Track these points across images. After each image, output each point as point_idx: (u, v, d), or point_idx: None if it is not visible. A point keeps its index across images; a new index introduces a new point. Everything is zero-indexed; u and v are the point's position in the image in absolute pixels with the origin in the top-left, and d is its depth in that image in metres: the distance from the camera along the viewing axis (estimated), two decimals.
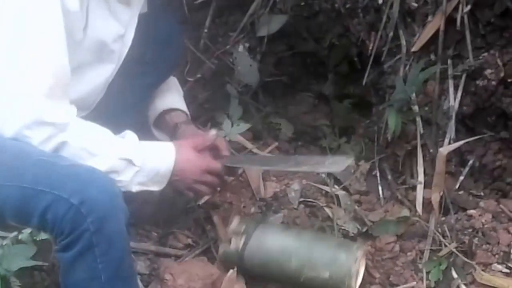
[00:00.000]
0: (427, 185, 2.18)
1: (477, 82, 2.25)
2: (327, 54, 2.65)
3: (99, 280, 1.53)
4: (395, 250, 2.05)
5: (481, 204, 2.17)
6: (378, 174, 2.32)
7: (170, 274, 1.84)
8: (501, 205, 2.16)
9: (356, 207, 2.18)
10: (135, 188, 1.70)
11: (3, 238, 1.55)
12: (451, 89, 2.26)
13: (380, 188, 2.29)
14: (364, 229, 2.11)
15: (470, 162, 2.28)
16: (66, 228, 1.47)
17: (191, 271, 1.86)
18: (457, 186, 2.26)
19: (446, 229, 2.07)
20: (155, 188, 1.76)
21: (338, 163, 1.87)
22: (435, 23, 2.27)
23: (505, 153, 2.31)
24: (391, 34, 2.32)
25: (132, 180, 1.69)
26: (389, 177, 2.30)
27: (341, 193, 2.21)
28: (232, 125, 2.31)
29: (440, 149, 2.05)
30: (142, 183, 1.71)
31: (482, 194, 2.27)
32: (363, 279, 1.90)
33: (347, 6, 2.43)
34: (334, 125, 2.66)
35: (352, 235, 2.08)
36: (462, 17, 2.21)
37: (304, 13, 2.60)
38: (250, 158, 2.29)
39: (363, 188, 2.28)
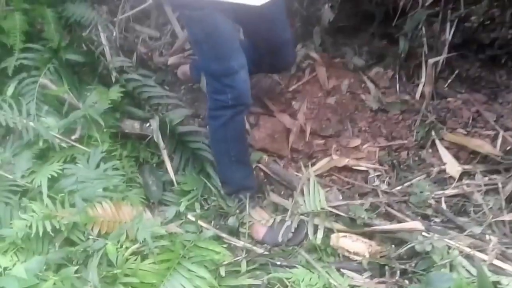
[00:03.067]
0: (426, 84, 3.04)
1: (465, 24, 3.19)
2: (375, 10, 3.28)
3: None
4: (399, 118, 2.95)
5: (458, 96, 3.00)
6: (397, 77, 3.15)
7: None
8: (471, 97, 2.99)
9: (380, 94, 3.09)
10: None
11: None
12: (447, 27, 3.18)
13: (397, 85, 3.12)
14: (382, 106, 3.03)
15: (457, 71, 3.13)
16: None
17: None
18: (445, 86, 3.12)
19: (431, 108, 2.93)
20: None
21: None
22: None
23: (483, 68, 3.20)
24: None
25: None
26: (404, 78, 3.16)
27: (371, 85, 3.12)
28: None
29: (429, 60, 2.99)
30: None
31: (463, 91, 3.06)
32: (373, 132, 2.93)
33: None
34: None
35: (375, 108, 3.03)
36: None
37: None
38: None
39: (387, 84, 3.15)
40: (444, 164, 2.69)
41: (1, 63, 2.54)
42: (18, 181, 2.13)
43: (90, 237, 1.99)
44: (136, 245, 2.06)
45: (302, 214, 2.45)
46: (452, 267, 2.11)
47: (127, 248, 2.03)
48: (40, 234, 1.96)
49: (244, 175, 2.50)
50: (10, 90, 2.33)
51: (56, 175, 2.14)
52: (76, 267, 1.85)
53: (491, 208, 2.37)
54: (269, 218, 2.54)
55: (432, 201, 2.44)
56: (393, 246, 2.27)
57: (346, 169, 2.73)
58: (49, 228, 1.96)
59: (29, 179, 2.15)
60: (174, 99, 2.73)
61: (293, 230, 2.46)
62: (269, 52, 2.51)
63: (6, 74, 2.49)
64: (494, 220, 2.27)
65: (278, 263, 2.33)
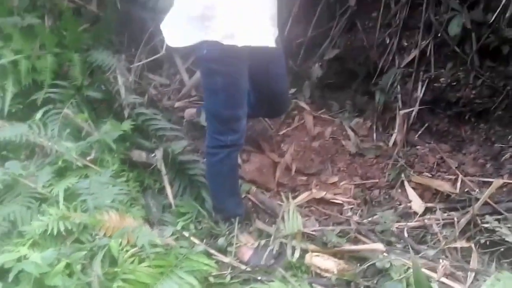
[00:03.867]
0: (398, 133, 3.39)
1: (435, 84, 3.52)
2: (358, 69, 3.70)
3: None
4: (373, 162, 3.24)
5: (426, 145, 3.29)
6: (374, 127, 3.47)
7: None
8: (437, 146, 3.29)
9: (359, 141, 3.41)
10: None
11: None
12: (419, 86, 3.50)
13: (374, 133, 3.45)
14: (360, 151, 3.34)
15: (426, 124, 3.45)
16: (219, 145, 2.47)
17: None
18: (416, 136, 3.43)
19: (402, 154, 3.23)
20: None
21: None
22: (414, 53, 3.56)
23: (450, 123, 3.48)
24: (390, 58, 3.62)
25: None
26: (380, 128, 3.47)
27: (351, 133, 3.46)
28: None
29: (400, 112, 3.32)
30: None
31: (431, 141, 3.35)
32: (350, 172, 3.22)
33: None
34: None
35: (353, 152, 3.34)
36: (430, 50, 3.49)
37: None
38: None
39: (365, 133, 3.46)
40: (410, 201, 2.94)
41: (32, 95, 2.85)
42: (39, 190, 2.39)
43: (97, 237, 2.25)
44: (135, 249, 2.30)
45: (282, 237, 2.69)
46: (408, 284, 2.34)
47: (127, 251, 2.28)
48: (55, 233, 2.21)
49: (235, 204, 2.74)
50: (38, 116, 2.63)
51: (71, 187, 2.41)
52: (84, 253, 2.10)
53: (446, 237, 2.61)
54: (255, 242, 2.77)
55: (395, 231, 2.68)
56: (358, 265, 2.50)
57: (324, 201, 2.99)
58: (62, 228, 2.22)
59: (48, 189, 2.41)
60: (176, 132, 3.00)
61: (275, 254, 2.69)
62: (269, 100, 2.80)
63: (36, 105, 2.79)
64: (447, 246, 2.51)
65: (259, 277, 2.56)
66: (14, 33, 2.72)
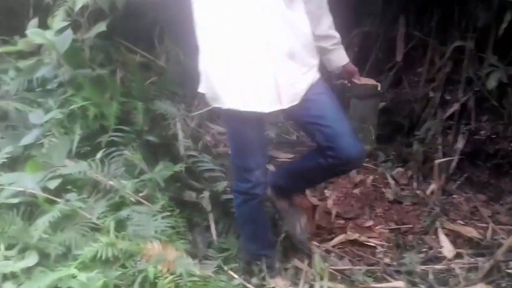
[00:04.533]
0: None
1: (475, 136, 3.56)
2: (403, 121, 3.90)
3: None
4: (410, 208, 3.30)
5: (463, 194, 3.35)
6: (415, 176, 3.53)
7: None
8: (473, 196, 3.33)
9: (399, 189, 3.49)
10: None
11: None
12: (460, 138, 3.56)
13: (414, 183, 3.51)
14: (398, 198, 3.42)
15: (466, 175, 3.50)
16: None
17: None
18: (454, 186, 3.48)
19: (438, 202, 3.25)
20: None
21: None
22: (455, 107, 3.64)
23: (490, 175, 3.53)
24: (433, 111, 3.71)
25: None
26: (420, 178, 3.52)
27: (392, 182, 3.55)
28: None
29: (436, 162, 3.37)
30: None
31: (469, 192, 3.39)
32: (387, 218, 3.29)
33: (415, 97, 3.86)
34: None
35: (392, 199, 3.42)
36: (471, 103, 3.55)
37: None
38: None
39: (406, 182, 3.53)
40: (441, 247, 2.98)
41: (98, 138, 3.15)
42: (94, 220, 2.64)
43: (138, 263, 2.46)
44: (174, 276, 2.48)
45: (312, 276, 2.79)
46: None
47: (166, 277, 2.47)
48: (103, 258, 2.44)
49: (259, 247, 2.72)
50: (98, 155, 2.91)
51: (122, 218, 2.65)
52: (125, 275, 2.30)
53: (469, 280, 2.63)
54: (288, 285, 2.87)
55: (421, 272, 2.72)
56: None
57: (358, 243, 3.06)
58: (110, 254, 2.44)
59: (102, 220, 2.66)
60: (223, 174, 3.20)
61: None
62: (325, 146, 2.37)
63: (100, 146, 3.08)
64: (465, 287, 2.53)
65: None
66: (85, 82, 3.03)
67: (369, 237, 3.08)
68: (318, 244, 3.06)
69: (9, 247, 2.45)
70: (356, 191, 3.44)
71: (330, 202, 3.32)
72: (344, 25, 3.98)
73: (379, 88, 2.81)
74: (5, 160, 2.87)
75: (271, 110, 2.22)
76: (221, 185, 3.03)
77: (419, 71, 3.86)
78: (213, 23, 2.20)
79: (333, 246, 3.01)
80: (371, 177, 3.53)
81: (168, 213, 2.75)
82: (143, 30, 3.77)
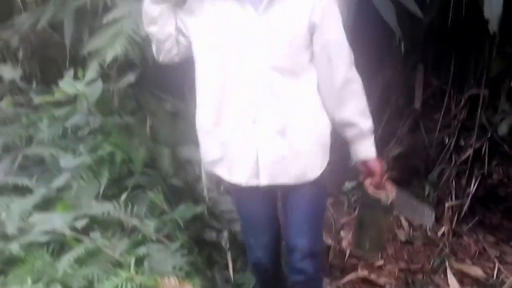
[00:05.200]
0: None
1: (488, 180, 3.63)
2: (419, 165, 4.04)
3: None
4: (421, 249, 3.41)
5: (473, 236, 3.45)
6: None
7: None
8: (482, 237, 3.42)
9: (411, 231, 3.58)
10: None
11: None
12: (473, 182, 3.64)
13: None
14: (410, 239, 3.51)
15: (477, 218, 3.57)
16: None
17: None
18: (466, 228, 3.54)
19: (448, 243, 3.37)
20: None
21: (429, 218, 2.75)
22: (469, 152, 3.72)
23: (503, 218, 3.60)
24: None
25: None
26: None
27: (405, 224, 3.63)
28: None
29: (446, 205, 3.45)
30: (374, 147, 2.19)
31: (479, 233, 3.49)
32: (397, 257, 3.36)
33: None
34: None
35: (403, 240, 3.49)
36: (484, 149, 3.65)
37: None
38: None
39: (419, 224, 3.66)
40: (449, 286, 3.04)
41: (125, 181, 3.34)
42: (116, 257, 2.81)
43: None
44: None
45: None
46: None
47: None
48: None
49: None
50: (123, 197, 3.10)
51: (142, 256, 2.81)
52: None
53: None
54: None
55: None
56: None
57: (368, 282, 3.15)
58: None
59: (124, 257, 2.82)
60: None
61: None
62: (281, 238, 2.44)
63: (126, 188, 3.27)
64: None
65: None
66: (114, 129, 3.26)
67: (379, 276, 3.15)
68: (330, 279, 3.14)
69: (35, 281, 2.62)
70: None
71: (344, 243, 3.41)
72: (366, 74, 4.20)
73: (389, 201, 2.31)
74: (38, 201, 3.07)
75: (249, 184, 2.11)
76: (239, 225, 3.16)
77: (436, 117, 3.96)
78: (204, 91, 2.14)
79: (344, 284, 3.09)
80: None
81: (187, 251, 2.89)
82: (173, 80, 3.97)
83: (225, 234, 3.24)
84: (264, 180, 2.08)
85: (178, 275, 2.75)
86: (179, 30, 2.06)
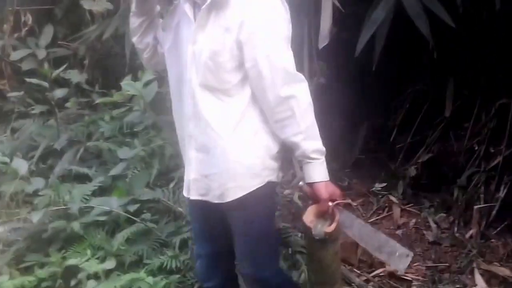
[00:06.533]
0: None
1: None
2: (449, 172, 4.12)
3: None
4: (449, 250, 3.44)
5: (501, 239, 3.46)
6: (456, 222, 3.74)
7: None
8: (510, 240, 3.47)
9: (439, 232, 3.70)
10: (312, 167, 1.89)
11: None
12: (502, 187, 3.70)
13: (455, 227, 3.69)
14: (438, 240, 3.63)
15: (506, 222, 3.63)
16: None
17: None
18: (494, 232, 3.59)
19: (476, 245, 3.40)
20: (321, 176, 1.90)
21: (403, 262, 2.08)
22: (498, 159, 3.81)
23: None
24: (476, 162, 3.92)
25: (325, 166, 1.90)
26: (462, 223, 3.70)
27: (433, 225, 3.75)
28: None
29: (475, 208, 3.55)
30: (325, 168, 1.91)
31: (507, 237, 3.54)
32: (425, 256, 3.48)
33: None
34: None
35: (431, 241, 3.61)
36: None
37: None
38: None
39: (447, 226, 3.75)
40: (476, 285, 3.14)
41: (172, 173, 3.59)
42: (163, 238, 3.05)
43: None
44: None
45: None
46: None
47: None
48: (168, 268, 2.85)
49: None
50: (171, 185, 3.37)
51: (186, 238, 3.06)
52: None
53: None
54: None
55: None
56: None
57: (395, 277, 3.28)
58: (174, 266, 2.85)
59: (170, 238, 3.06)
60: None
61: None
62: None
63: (173, 179, 3.51)
64: None
65: None
66: (165, 126, 3.54)
67: (406, 272, 3.28)
68: (358, 273, 3.29)
69: (93, 255, 2.90)
70: (399, 232, 3.66)
71: None
72: (396, 84, 4.36)
73: (322, 233, 1.96)
74: (96, 188, 3.38)
75: (186, 196, 2.08)
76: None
77: (466, 126, 4.07)
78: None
79: (373, 277, 3.24)
80: (413, 220, 3.75)
81: None
82: None
83: None
84: (193, 195, 2.01)
85: None
86: (157, 41, 2.10)
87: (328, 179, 1.96)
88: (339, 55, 4.01)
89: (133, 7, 2.05)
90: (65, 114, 4.25)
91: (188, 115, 1.96)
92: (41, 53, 4.57)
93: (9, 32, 4.68)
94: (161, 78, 3.60)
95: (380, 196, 3.94)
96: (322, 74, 3.99)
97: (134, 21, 2.07)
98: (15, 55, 4.60)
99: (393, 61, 3.90)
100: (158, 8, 2.09)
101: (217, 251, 2.18)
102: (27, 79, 3.99)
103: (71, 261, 2.76)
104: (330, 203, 1.95)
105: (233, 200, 1.95)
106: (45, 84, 3.79)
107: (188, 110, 1.95)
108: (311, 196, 1.98)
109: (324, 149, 1.94)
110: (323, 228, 1.95)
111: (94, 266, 2.71)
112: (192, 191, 2.02)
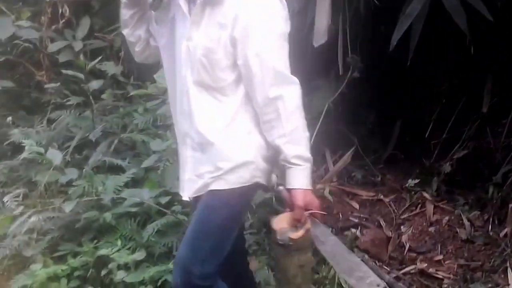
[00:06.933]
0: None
1: None
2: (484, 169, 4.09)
3: None
4: (482, 248, 3.38)
5: None
6: (491, 220, 3.66)
7: None
8: None
9: (473, 231, 3.62)
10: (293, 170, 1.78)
11: None
12: None
13: (489, 226, 3.61)
14: (471, 238, 3.56)
15: None
16: None
17: None
18: None
19: (510, 244, 3.34)
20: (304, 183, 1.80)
21: None
22: None
23: None
24: None
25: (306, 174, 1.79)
26: (496, 221, 3.63)
27: (467, 223, 3.69)
28: None
29: (510, 205, 3.45)
30: (306, 175, 1.80)
31: None
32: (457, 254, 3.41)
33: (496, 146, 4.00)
34: None
35: (464, 239, 3.55)
36: None
37: None
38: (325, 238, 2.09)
39: (481, 224, 3.68)
40: (508, 285, 3.08)
41: None
42: None
43: None
44: None
45: None
46: None
47: None
48: None
49: None
50: None
51: None
52: None
53: None
54: None
55: None
56: None
57: (426, 274, 3.23)
58: None
59: None
60: None
61: None
62: None
63: None
64: None
65: None
66: None
67: (438, 270, 3.24)
68: (388, 270, 3.26)
69: (124, 246, 2.95)
70: (431, 229, 3.61)
71: (405, 237, 3.52)
72: (432, 79, 4.28)
73: (287, 240, 1.85)
74: (129, 179, 3.42)
75: (181, 197, 2.04)
76: None
77: (503, 122, 3.97)
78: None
79: (404, 274, 3.20)
80: (447, 218, 3.68)
81: (255, 231, 3.13)
82: None
83: None
84: (186, 194, 1.98)
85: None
86: (150, 34, 2.05)
87: (309, 187, 1.84)
88: (374, 48, 3.97)
89: None
90: (100, 106, 4.30)
91: (183, 112, 1.92)
92: (78, 45, 4.63)
93: (47, 24, 4.76)
94: None
95: (413, 193, 3.88)
96: (356, 68, 3.96)
97: (125, 13, 2.01)
98: (52, 47, 4.66)
99: (428, 56, 3.83)
100: None
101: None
102: (64, 71, 4.05)
103: (103, 251, 2.81)
104: (305, 212, 1.83)
105: (213, 190, 1.88)
106: (81, 75, 3.84)
107: (183, 108, 1.90)
108: (288, 202, 1.88)
109: (308, 156, 1.83)
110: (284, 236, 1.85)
111: (124, 256, 2.75)
112: (185, 191, 1.97)
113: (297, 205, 1.83)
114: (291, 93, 1.81)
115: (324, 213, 1.85)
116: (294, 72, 1.87)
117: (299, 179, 1.83)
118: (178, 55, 1.89)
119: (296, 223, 1.86)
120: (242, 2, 1.77)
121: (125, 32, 2.06)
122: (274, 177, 1.99)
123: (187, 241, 1.94)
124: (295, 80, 1.82)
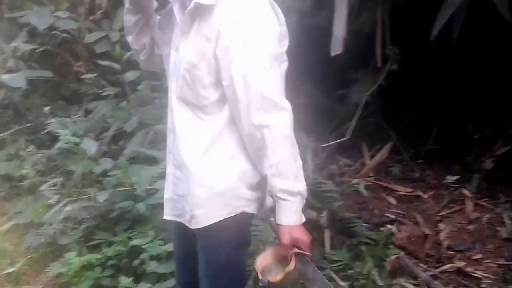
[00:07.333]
0: None
1: None
2: None
3: None
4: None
5: None
6: None
7: None
8: None
9: None
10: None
11: None
12: None
13: None
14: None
15: None
16: None
17: None
18: None
19: None
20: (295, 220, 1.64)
21: None
22: None
23: None
24: None
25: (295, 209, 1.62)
26: None
27: (508, 222, 3.56)
28: None
29: None
30: (294, 211, 1.63)
31: None
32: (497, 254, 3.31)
33: None
34: None
35: (505, 237, 3.43)
36: None
37: None
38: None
39: None
40: None
41: None
42: None
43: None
44: None
45: None
46: None
47: None
48: None
49: None
50: None
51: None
52: None
53: None
54: None
55: None
56: None
57: (464, 273, 3.14)
58: None
59: None
60: (339, 196, 3.48)
61: None
62: None
63: None
64: None
65: None
66: None
67: (476, 269, 3.15)
68: (425, 268, 3.18)
69: (156, 237, 2.96)
70: (470, 227, 3.51)
71: (443, 234, 3.44)
72: (474, 71, 4.16)
73: (265, 283, 1.69)
74: (163, 170, 3.40)
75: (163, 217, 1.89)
76: (336, 204, 3.30)
77: None
78: None
79: (441, 273, 3.12)
80: (487, 216, 3.58)
81: None
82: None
83: (325, 213, 3.39)
84: (167, 214, 1.85)
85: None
86: (154, 41, 1.92)
87: (297, 223, 1.65)
88: (414, 40, 3.88)
89: (127, 2, 1.82)
90: (137, 97, 4.32)
91: (168, 127, 1.79)
92: (115, 36, 4.66)
93: (85, 15, 4.81)
94: None
95: (453, 189, 3.79)
96: (395, 60, 3.89)
97: (129, 19, 1.86)
98: (90, 38, 4.71)
99: (471, 47, 3.72)
100: (155, 4, 1.87)
101: (192, 279, 1.88)
102: (100, 62, 4.09)
103: (136, 241, 2.82)
104: (292, 250, 1.65)
105: (198, 229, 1.72)
106: (117, 66, 3.86)
107: (169, 122, 1.77)
108: (276, 235, 1.70)
109: (297, 189, 1.62)
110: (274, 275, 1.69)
111: (156, 247, 2.76)
112: (166, 210, 1.84)
113: (282, 242, 1.66)
114: (280, 121, 1.58)
115: (309, 254, 1.67)
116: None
117: (286, 215, 1.65)
118: (167, 65, 1.81)
119: (284, 260, 1.70)
120: (228, 17, 1.58)
121: (129, 39, 1.93)
122: (269, 201, 1.78)
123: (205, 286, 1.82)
124: (286, 105, 1.59)
